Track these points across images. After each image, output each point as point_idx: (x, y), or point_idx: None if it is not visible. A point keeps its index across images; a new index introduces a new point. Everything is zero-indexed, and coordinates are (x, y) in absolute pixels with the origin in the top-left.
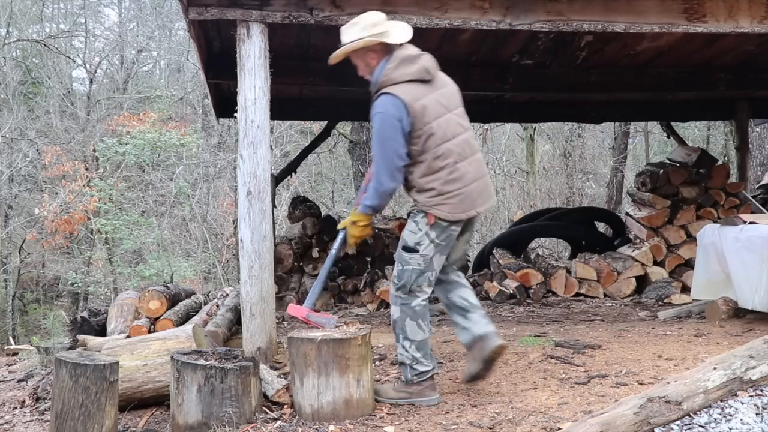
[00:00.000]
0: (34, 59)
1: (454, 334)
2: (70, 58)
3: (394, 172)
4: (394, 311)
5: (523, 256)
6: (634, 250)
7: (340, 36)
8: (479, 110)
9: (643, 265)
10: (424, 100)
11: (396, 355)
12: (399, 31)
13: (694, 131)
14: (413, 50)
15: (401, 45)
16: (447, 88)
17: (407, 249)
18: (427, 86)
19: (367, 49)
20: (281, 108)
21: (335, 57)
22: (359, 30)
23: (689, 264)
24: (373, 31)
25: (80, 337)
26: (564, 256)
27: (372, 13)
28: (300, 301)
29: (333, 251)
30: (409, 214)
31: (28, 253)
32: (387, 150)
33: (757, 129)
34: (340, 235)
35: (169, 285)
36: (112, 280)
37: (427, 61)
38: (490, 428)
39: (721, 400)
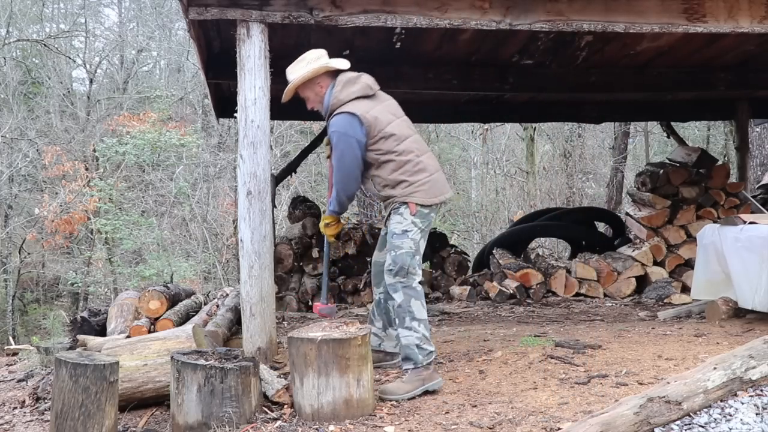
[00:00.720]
0: (34, 59)
1: (454, 334)
2: (70, 58)
3: (351, 181)
4: (398, 297)
5: (523, 256)
6: (634, 250)
7: (287, 76)
8: (479, 110)
9: (643, 265)
10: (373, 111)
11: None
12: (340, 62)
13: (694, 131)
14: (353, 73)
15: (343, 71)
16: (390, 101)
17: (398, 235)
18: (372, 100)
19: (316, 80)
20: (281, 108)
21: (288, 93)
22: (305, 64)
23: (689, 264)
24: (318, 63)
25: (80, 337)
26: (564, 256)
27: (313, 50)
28: (300, 301)
29: (325, 249)
30: (389, 215)
31: (28, 253)
32: (345, 163)
33: (757, 129)
34: (325, 238)
35: (169, 285)
36: (112, 280)
37: (368, 78)
38: (490, 428)
39: (721, 400)
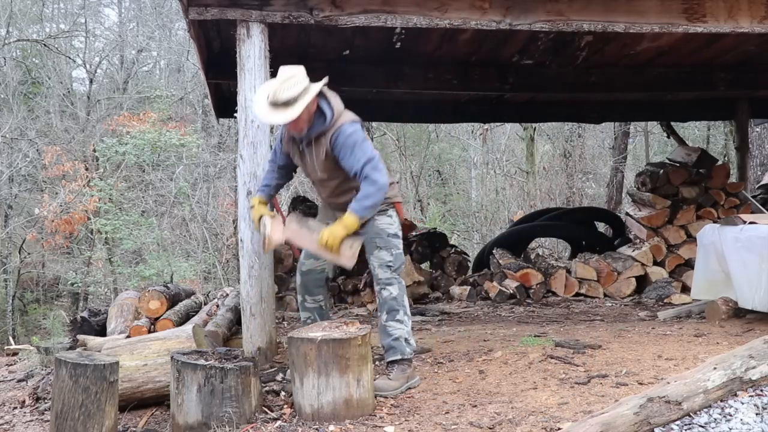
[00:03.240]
0: (34, 59)
1: (454, 334)
2: (70, 58)
3: (383, 169)
4: (394, 290)
5: (523, 256)
6: (634, 250)
7: (281, 94)
8: (479, 110)
9: (643, 265)
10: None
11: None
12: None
13: (694, 131)
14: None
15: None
16: None
17: (394, 236)
18: None
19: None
20: None
21: (293, 115)
22: (299, 81)
23: (689, 264)
24: (306, 80)
25: (80, 337)
26: (564, 256)
27: (286, 67)
28: None
29: None
30: (370, 218)
31: (28, 253)
32: (372, 155)
33: (757, 129)
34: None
35: (169, 285)
36: (112, 280)
37: None
38: (490, 428)
39: (721, 400)
